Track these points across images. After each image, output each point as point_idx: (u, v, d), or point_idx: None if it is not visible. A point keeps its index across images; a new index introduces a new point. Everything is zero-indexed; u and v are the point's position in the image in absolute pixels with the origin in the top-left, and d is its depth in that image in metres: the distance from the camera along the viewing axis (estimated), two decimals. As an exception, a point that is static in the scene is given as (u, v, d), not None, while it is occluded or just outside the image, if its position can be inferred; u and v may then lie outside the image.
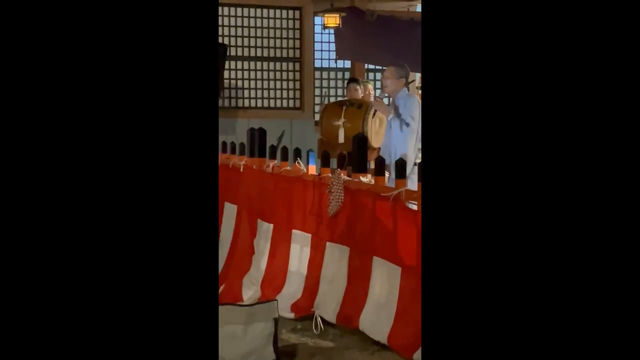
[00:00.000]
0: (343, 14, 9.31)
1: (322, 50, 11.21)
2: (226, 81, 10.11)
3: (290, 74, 10.79)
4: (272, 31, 10.64)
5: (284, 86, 10.79)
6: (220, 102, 10.23)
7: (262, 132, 5.37)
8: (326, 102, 9.71)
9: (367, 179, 4.46)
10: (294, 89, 10.84)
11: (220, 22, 10.37)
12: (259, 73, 10.64)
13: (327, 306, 4.47)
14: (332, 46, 10.86)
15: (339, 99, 10.17)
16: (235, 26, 10.49)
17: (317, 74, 11.15)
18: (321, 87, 11.22)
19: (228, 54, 9.77)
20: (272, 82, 10.68)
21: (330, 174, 4.62)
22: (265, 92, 10.69)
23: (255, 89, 10.63)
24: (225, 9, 10.40)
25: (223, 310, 3.84)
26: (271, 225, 5.09)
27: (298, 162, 4.94)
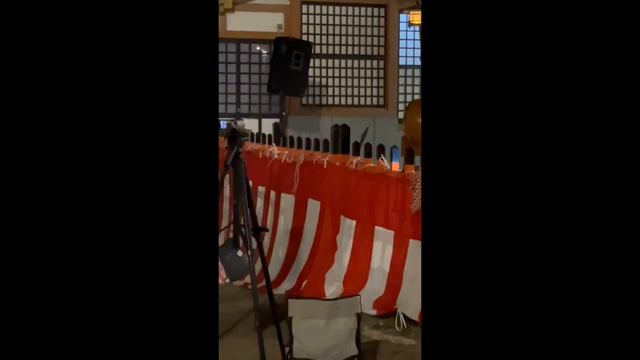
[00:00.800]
0: (429, 11, 9.25)
1: (406, 48, 11.16)
2: (310, 79, 10.18)
3: (375, 72, 10.79)
4: (356, 29, 10.66)
5: (368, 84, 10.80)
6: (304, 99, 10.32)
7: (345, 129, 5.38)
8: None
9: (451, 176, 4.41)
10: (378, 87, 10.83)
11: (305, 20, 10.46)
12: (343, 71, 10.67)
13: (410, 304, 4.44)
14: (417, 44, 10.81)
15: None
16: (320, 24, 10.55)
17: (402, 72, 11.11)
18: (405, 85, 11.18)
19: (312, 51, 9.83)
20: (356, 80, 10.70)
21: (414, 171, 4.59)
22: (349, 89, 10.72)
23: (340, 86, 10.67)
24: (310, 7, 10.47)
25: (306, 304, 3.88)
26: (354, 222, 5.09)
27: (382, 159, 4.92)
